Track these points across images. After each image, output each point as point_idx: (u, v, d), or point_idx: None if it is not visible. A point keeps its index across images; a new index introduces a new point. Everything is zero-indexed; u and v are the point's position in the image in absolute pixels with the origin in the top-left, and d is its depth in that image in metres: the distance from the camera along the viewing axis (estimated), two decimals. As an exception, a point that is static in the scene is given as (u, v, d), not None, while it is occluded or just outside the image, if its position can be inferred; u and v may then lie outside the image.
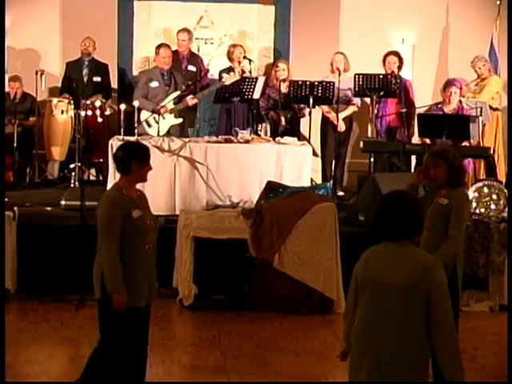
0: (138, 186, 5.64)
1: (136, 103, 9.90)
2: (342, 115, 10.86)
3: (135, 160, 5.46)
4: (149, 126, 10.22)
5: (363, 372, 4.21)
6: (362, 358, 4.22)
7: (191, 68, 11.12)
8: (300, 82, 10.56)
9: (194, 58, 11.35)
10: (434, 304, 4.10)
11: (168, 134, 10.27)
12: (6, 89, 11.55)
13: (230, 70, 11.07)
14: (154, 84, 10.47)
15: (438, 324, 4.09)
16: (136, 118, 9.78)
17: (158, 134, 10.02)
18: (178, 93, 10.49)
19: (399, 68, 11.09)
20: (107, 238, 5.39)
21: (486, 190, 9.21)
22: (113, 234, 5.38)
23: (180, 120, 10.50)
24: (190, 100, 10.49)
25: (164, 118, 10.33)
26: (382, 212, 4.33)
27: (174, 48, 11.39)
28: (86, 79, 11.61)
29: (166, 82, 10.56)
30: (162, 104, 10.32)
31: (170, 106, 10.38)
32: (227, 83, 10.39)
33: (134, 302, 5.44)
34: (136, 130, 9.80)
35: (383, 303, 4.19)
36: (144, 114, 10.25)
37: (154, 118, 10.24)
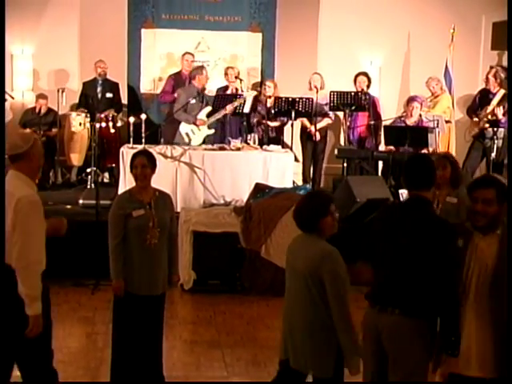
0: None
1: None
2: (318, 126, 10.85)
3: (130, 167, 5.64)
4: (188, 137, 10.20)
5: (290, 339, 4.36)
6: (287, 328, 4.39)
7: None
8: (283, 98, 10.56)
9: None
10: (327, 289, 4.17)
11: (203, 143, 10.28)
12: (32, 104, 11.55)
13: (226, 87, 11.09)
14: (193, 101, 10.43)
15: (331, 304, 4.17)
16: (144, 128, 9.74)
17: (201, 143, 10.24)
18: (209, 108, 10.44)
19: (368, 86, 11.09)
20: (110, 232, 5.50)
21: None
22: (114, 229, 5.47)
23: (213, 131, 10.45)
24: (228, 109, 10.43)
25: (200, 130, 10.31)
26: (295, 208, 4.40)
27: (177, 69, 11.42)
28: (99, 96, 11.56)
29: (201, 99, 10.53)
30: (199, 117, 10.33)
31: (204, 118, 10.37)
32: (249, 98, 10.47)
33: (131, 289, 5.46)
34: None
35: (294, 284, 4.32)
36: (183, 126, 10.26)
37: (192, 130, 10.23)
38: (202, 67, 10.82)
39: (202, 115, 10.36)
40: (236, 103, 10.32)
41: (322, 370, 4.22)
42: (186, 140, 10.17)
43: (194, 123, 10.29)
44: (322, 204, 4.31)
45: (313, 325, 4.21)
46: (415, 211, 4.22)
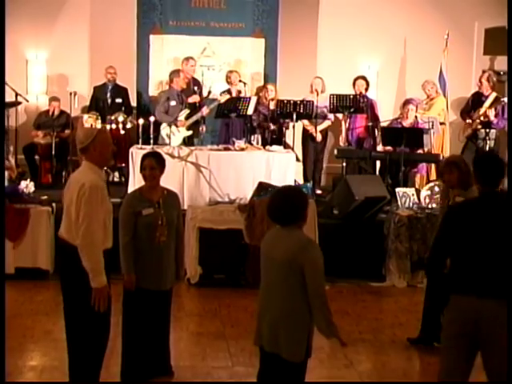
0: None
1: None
2: (319, 128, 10.87)
3: None
4: (169, 137, 10.23)
5: (265, 326, 4.40)
6: (263, 316, 4.42)
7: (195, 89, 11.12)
8: (285, 101, 10.56)
9: (194, 81, 11.31)
10: (307, 275, 4.19)
11: (183, 143, 10.29)
12: (45, 107, 11.56)
13: (228, 91, 11.10)
14: (173, 103, 10.45)
15: (310, 291, 4.20)
16: (152, 130, 9.76)
17: (181, 143, 10.22)
18: (187, 110, 10.48)
19: (366, 89, 11.10)
20: (121, 229, 5.51)
21: (436, 188, 9.20)
22: (124, 227, 5.49)
23: (190, 132, 10.50)
24: (204, 112, 10.52)
25: (179, 132, 10.34)
26: (272, 204, 4.40)
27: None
28: (109, 101, 11.56)
29: (180, 100, 10.55)
30: (179, 119, 10.35)
31: (182, 119, 10.40)
32: (222, 101, 10.43)
33: (142, 284, 5.48)
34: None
35: (272, 274, 4.38)
36: (163, 127, 10.27)
37: (172, 131, 10.26)
38: (178, 71, 10.80)
39: (181, 117, 10.40)
40: (213, 105, 10.46)
41: (295, 355, 4.27)
42: (167, 141, 10.19)
43: (175, 124, 10.31)
44: (304, 197, 4.40)
45: (291, 311, 4.26)
46: (494, 204, 4.38)
